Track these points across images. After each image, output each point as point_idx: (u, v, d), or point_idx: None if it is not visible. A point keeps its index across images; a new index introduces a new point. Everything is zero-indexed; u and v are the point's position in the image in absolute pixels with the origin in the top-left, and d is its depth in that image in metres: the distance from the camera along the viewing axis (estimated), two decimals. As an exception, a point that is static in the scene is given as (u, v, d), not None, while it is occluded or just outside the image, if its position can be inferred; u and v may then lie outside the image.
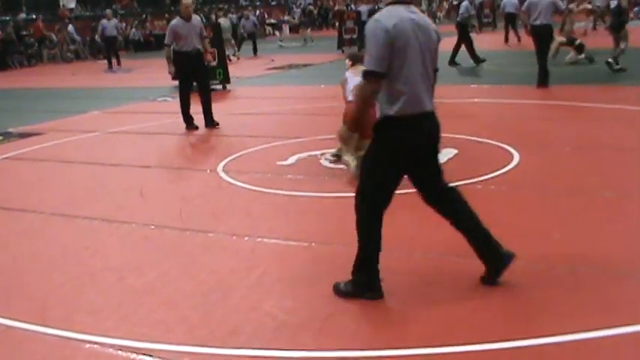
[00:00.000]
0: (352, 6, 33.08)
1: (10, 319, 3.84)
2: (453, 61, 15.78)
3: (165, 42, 9.74)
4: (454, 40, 15.89)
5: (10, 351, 3.53)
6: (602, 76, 12.50)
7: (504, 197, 5.64)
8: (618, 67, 12.63)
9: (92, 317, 3.81)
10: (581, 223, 4.90)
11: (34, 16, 27.79)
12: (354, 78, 5.97)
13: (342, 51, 20.11)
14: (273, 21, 35.52)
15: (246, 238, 4.95)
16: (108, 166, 7.69)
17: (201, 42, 9.56)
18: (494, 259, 3.84)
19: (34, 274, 4.55)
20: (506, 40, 21.54)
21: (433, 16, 40.20)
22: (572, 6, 15.72)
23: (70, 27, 27.35)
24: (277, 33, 30.67)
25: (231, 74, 14.35)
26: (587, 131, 7.94)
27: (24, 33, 25.59)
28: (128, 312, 3.86)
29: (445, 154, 6.90)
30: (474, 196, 5.69)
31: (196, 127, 9.62)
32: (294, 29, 32.40)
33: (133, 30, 30.40)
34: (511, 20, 21.00)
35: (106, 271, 4.53)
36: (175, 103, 10.08)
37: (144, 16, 32.77)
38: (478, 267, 3.95)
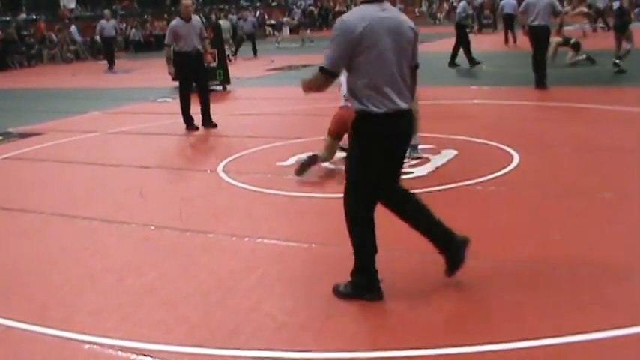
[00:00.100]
0: (353, 7, 33.02)
1: (10, 319, 3.84)
2: (452, 63, 15.78)
3: (166, 42, 9.76)
4: (453, 41, 15.91)
5: (10, 351, 3.53)
6: (601, 77, 12.51)
7: (504, 198, 5.64)
8: (619, 68, 12.63)
9: (92, 318, 3.81)
10: (581, 224, 4.90)
11: (34, 17, 27.81)
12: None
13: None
14: (273, 22, 35.54)
15: (246, 239, 4.95)
16: (108, 166, 7.70)
17: (201, 42, 9.57)
18: (453, 252, 3.85)
19: (34, 275, 4.55)
20: (506, 41, 21.56)
21: (433, 17, 40.26)
22: (567, 8, 15.77)
23: (73, 27, 27.36)
24: (277, 34, 30.66)
25: (231, 75, 14.36)
26: (586, 132, 7.94)
27: (24, 33, 25.61)
28: (128, 312, 3.86)
29: (445, 156, 6.92)
30: (474, 197, 5.73)
31: (197, 128, 9.63)
32: (294, 30, 32.40)
33: (133, 30, 30.41)
34: (509, 21, 21.03)
35: (106, 271, 4.53)
36: (175, 104, 10.09)
37: (145, 16, 32.76)
38: (478, 267, 3.96)
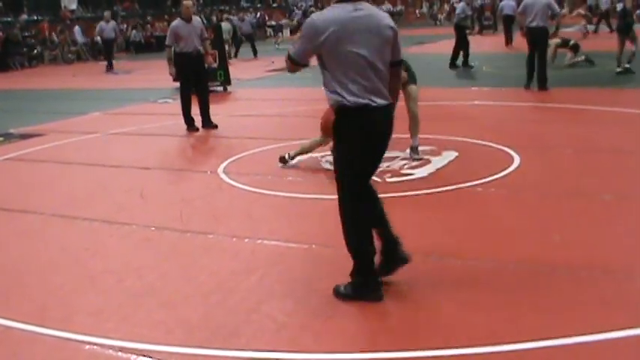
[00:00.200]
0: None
1: (10, 319, 3.84)
2: (453, 64, 15.79)
3: (166, 43, 9.78)
4: (453, 42, 15.91)
5: (10, 352, 3.53)
6: (601, 78, 12.52)
7: (505, 200, 5.64)
8: (620, 69, 12.63)
9: (92, 318, 3.81)
10: (581, 226, 4.90)
11: (35, 18, 27.82)
12: None
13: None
14: (273, 23, 35.57)
15: (246, 240, 4.95)
16: (108, 167, 7.70)
17: (202, 43, 9.58)
18: (393, 260, 3.89)
19: (34, 275, 4.55)
20: (507, 43, 21.55)
21: (434, 18, 40.26)
22: (564, 10, 15.79)
23: (77, 28, 27.37)
24: (279, 34, 30.68)
25: (231, 76, 14.36)
26: (586, 134, 7.94)
27: (26, 34, 25.63)
28: (128, 313, 3.86)
29: (445, 157, 6.92)
30: (475, 199, 5.73)
31: (197, 129, 9.64)
32: (294, 31, 32.41)
33: (134, 31, 30.41)
34: (509, 22, 21.04)
35: (106, 272, 4.53)
36: (176, 105, 10.09)
37: (148, 17, 32.78)
38: (478, 269, 3.96)
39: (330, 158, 6.97)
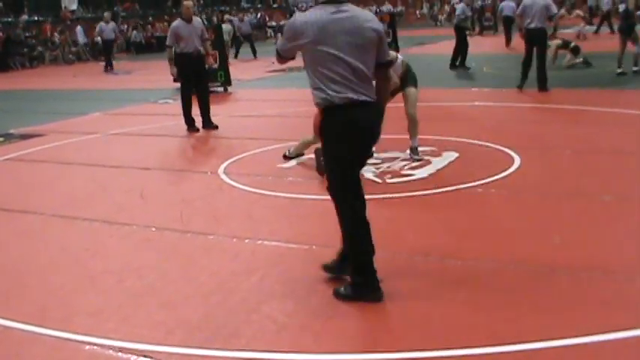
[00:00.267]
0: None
1: (10, 320, 3.84)
2: (453, 65, 15.79)
3: (167, 43, 9.79)
4: (454, 43, 15.91)
5: (9, 352, 3.53)
6: (601, 79, 12.51)
7: (505, 201, 5.64)
8: (620, 70, 12.62)
9: (92, 319, 3.81)
10: (581, 227, 4.90)
11: (36, 18, 27.84)
12: None
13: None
14: (273, 23, 35.58)
15: (246, 241, 4.95)
16: (109, 167, 7.70)
17: (202, 44, 9.58)
18: (344, 265, 3.95)
19: (34, 275, 4.55)
20: (507, 43, 21.54)
21: (434, 19, 40.28)
22: (562, 12, 15.78)
23: (79, 28, 27.38)
24: (279, 35, 30.69)
25: (232, 76, 14.36)
26: (587, 135, 7.94)
27: (27, 34, 25.65)
28: (128, 314, 3.86)
29: (446, 158, 6.92)
30: (475, 200, 5.73)
31: (198, 130, 9.64)
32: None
33: (134, 32, 30.43)
34: (509, 24, 21.04)
35: (106, 272, 4.53)
36: (176, 105, 10.10)
37: (149, 18, 32.79)
38: (479, 270, 3.96)
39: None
